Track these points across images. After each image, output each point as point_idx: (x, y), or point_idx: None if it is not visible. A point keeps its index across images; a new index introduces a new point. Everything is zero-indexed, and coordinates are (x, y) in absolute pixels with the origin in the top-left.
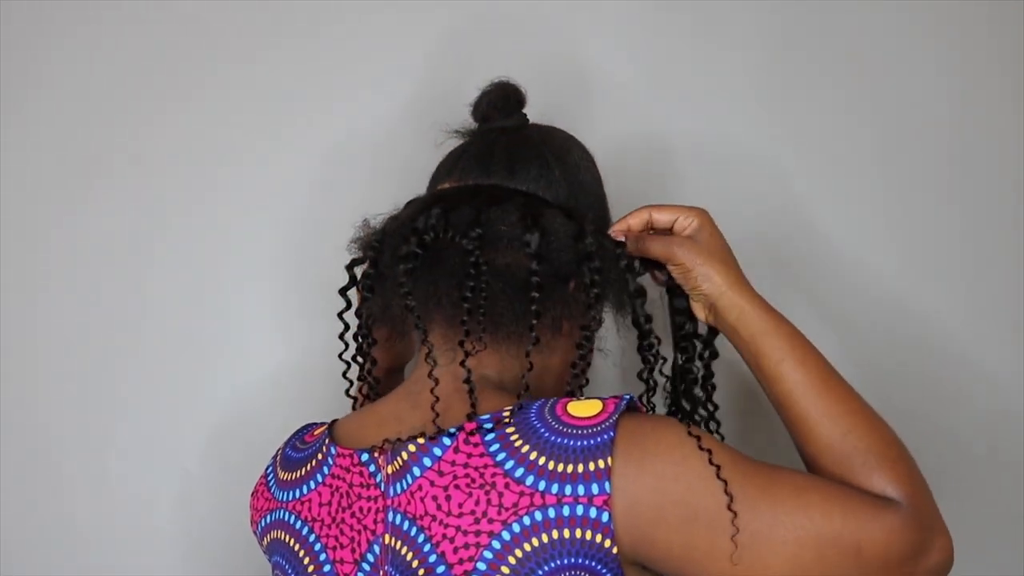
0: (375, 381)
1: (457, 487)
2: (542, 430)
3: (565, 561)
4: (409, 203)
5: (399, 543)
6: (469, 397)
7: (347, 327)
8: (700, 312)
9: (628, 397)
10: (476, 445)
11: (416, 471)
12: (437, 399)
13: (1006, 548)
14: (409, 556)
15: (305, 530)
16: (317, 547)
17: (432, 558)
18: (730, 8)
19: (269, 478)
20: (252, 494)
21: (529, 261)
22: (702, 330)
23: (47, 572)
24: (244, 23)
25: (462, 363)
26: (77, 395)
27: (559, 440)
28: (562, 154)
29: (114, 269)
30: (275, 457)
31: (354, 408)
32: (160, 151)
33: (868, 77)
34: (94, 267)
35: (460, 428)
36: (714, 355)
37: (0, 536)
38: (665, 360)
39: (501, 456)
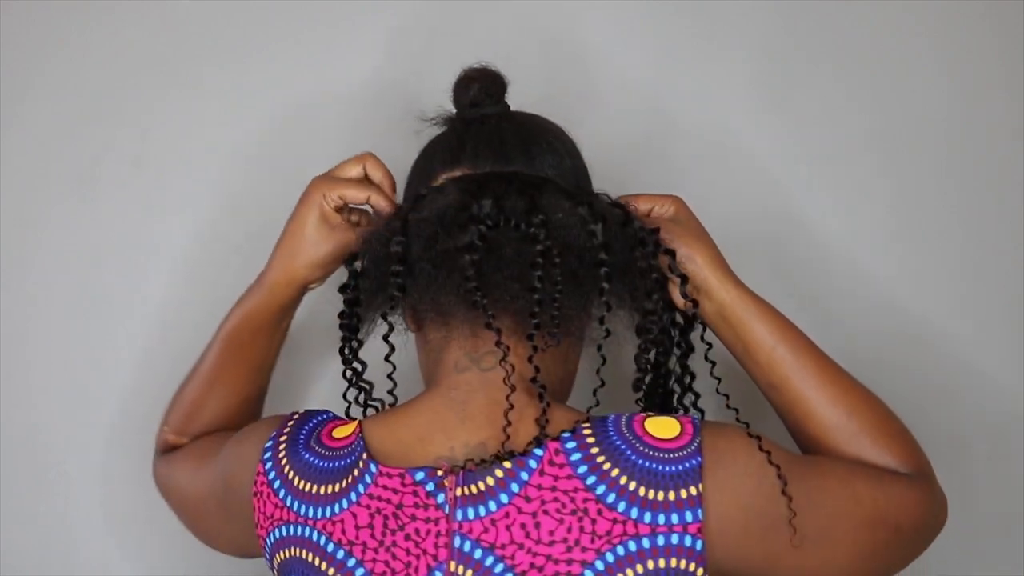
0: (367, 389)
1: (547, 513)
2: (627, 451)
3: None
4: (423, 195)
5: (470, 572)
6: (540, 402)
7: (391, 328)
8: (679, 299)
9: (697, 416)
10: (562, 466)
11: (504, 498)
12: (512, 406)
13: (1006, 548)
14: None
15: (340, 554)
16: (360, 572)
17: None
18: (732, 3)
19: (272, 478)
20: (254, 494)
21: (597, 251)
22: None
23: (43, 572)
24: (212, 10)
25: (502, 361)
26: (72, 395)
27: (647, 464)
28: (563, 140)
29: (109, 268)
30: (274, 452)
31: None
32: (152, 150)
33: (869, 73)
34: (89, 266)
35: (543, 447)
36: (690, 348)
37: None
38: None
39: (591, 480)
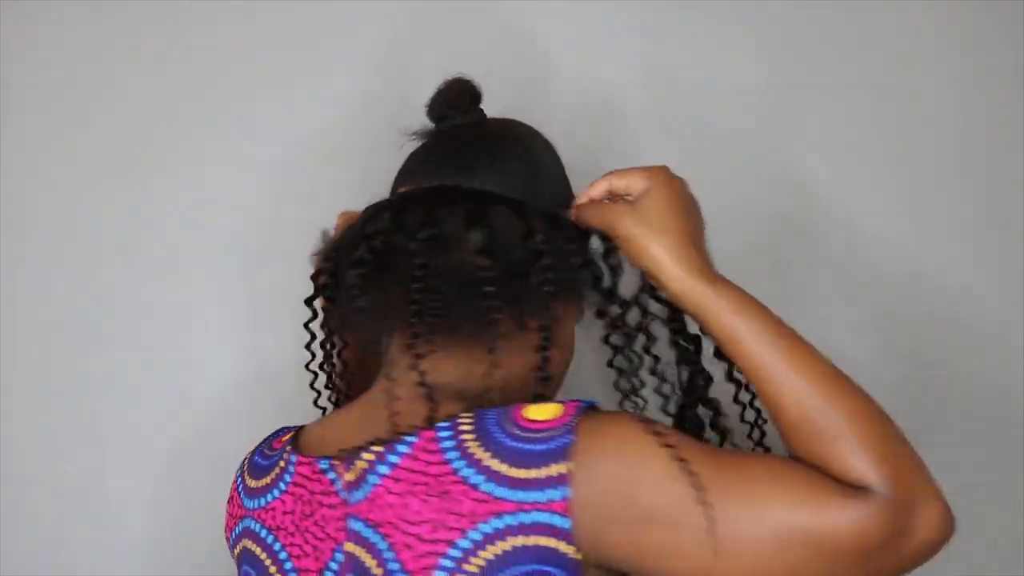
0: (341, 390)
1: (413, 494)
2: (499, 435)
3: (527, 568)
4: (366, 209)
5: (361, 550)
6: (427, 401)
7: (313, 337)
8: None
9: (590, 401)
10: (434, 452)
11: (373, 478)
12: (395, 402)
13: (1006, 548)
14: (371, 563)
15: (270, 539)
16: (282, 556)
17: (393, 565)
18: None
19: (239, 485)
20: (228, 500)
21: (476, 259)
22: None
23: (43, 572)
24: (199, 21)
25: (413, 367)
26: (71, 396)
27: (516, 445)
28: (518, 146)
29: (108, 268)
30: (243, 463)
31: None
32: (114, 155)
33: (870, 66)
34: (87, 266)
35: (417, 435)
36: (682, 351)
37: None
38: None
39: (458, 464)
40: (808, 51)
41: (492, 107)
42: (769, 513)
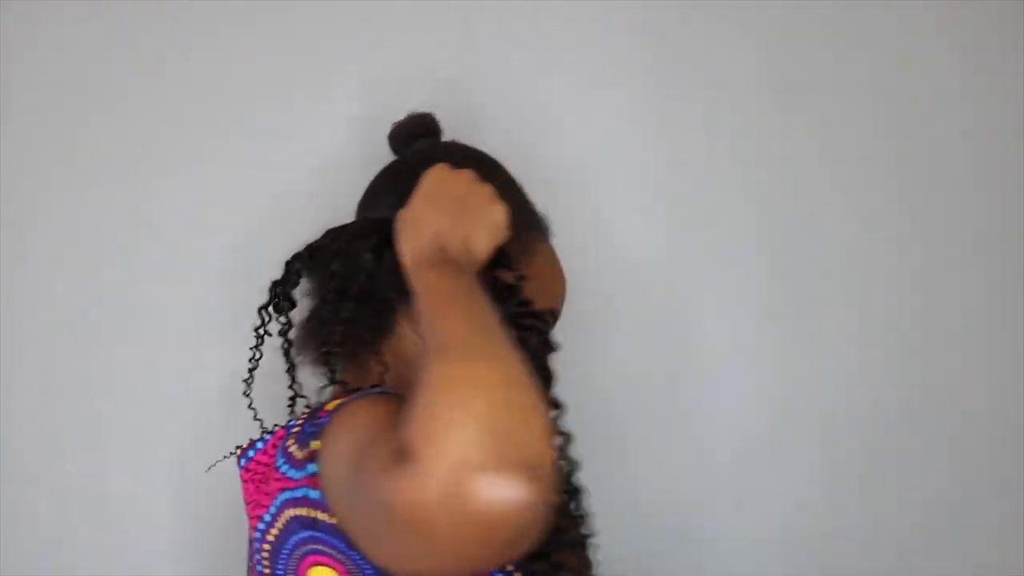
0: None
1: (252, 481)
2: (307, 426)
3: (304, 535)
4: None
5: (250, 525)
6: (291, 404)
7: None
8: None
9: (378, 390)
10: (276, 447)
11: (240, 470)
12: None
13: (1006, 548)
14: (251, 534)
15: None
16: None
17: (256, 535)
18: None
19: None
20: None
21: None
22: None
23: (42, 572)
24: (199, 21)
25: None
26: (71, 396)
27: (306, 430)
28: (423, 173)
29: (108, 269)
30: None
31: None
32: (114, 155)
33: (873, 57)
34: (87, 267)
35: (271, 434)
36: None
37: None
38: None
39: (279, 454)
40: (808, 51)
41: (489, 106)
42: (358, 484)
